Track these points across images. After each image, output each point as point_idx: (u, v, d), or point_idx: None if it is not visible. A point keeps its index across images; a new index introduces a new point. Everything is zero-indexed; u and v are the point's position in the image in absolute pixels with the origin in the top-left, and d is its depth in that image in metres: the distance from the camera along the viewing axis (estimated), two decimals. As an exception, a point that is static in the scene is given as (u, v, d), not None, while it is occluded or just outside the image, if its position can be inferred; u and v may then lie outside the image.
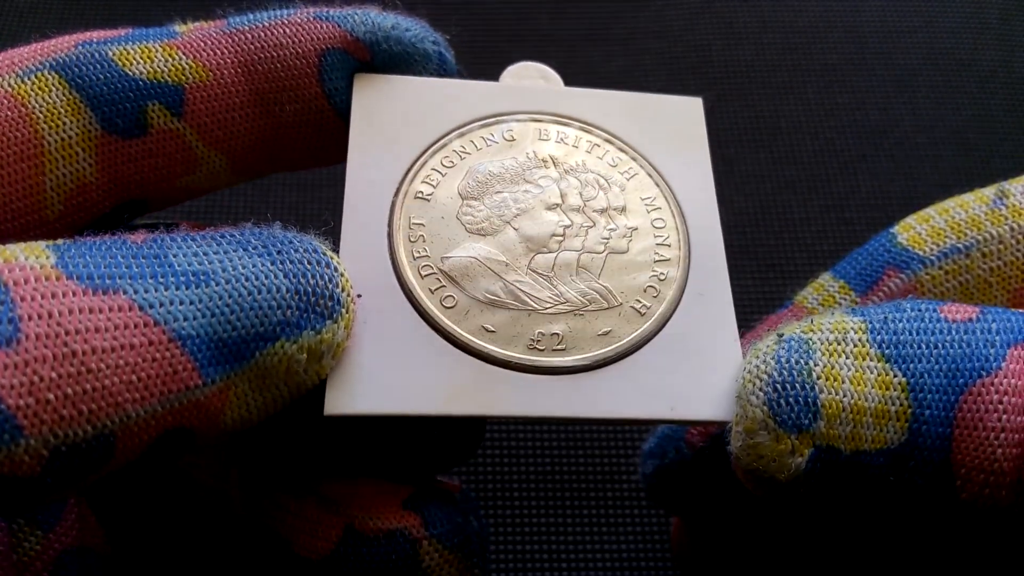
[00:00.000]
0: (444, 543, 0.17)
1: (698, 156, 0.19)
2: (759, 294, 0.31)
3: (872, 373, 0.14)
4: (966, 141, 0.35)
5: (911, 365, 0.14)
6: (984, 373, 0.14)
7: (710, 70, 0.37)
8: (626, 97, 0.19)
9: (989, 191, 0.18)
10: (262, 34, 0.17)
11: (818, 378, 0.14)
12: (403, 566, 0.17)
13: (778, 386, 0.14)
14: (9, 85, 0.16)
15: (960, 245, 0.17)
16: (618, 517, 0.27)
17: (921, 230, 0.18)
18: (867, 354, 0.14)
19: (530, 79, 0.20)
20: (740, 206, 0.33)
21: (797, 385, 0.14)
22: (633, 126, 0.19)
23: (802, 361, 0.14)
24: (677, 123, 0.19)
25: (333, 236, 0.16)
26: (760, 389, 0.14)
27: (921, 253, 0.17)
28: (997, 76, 0.36)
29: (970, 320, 0.15)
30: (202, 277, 0.13)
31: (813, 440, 0.14)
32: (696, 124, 0.19)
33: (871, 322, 0.15)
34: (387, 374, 0.15)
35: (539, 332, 0.16)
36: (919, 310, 0.15)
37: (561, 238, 0.17)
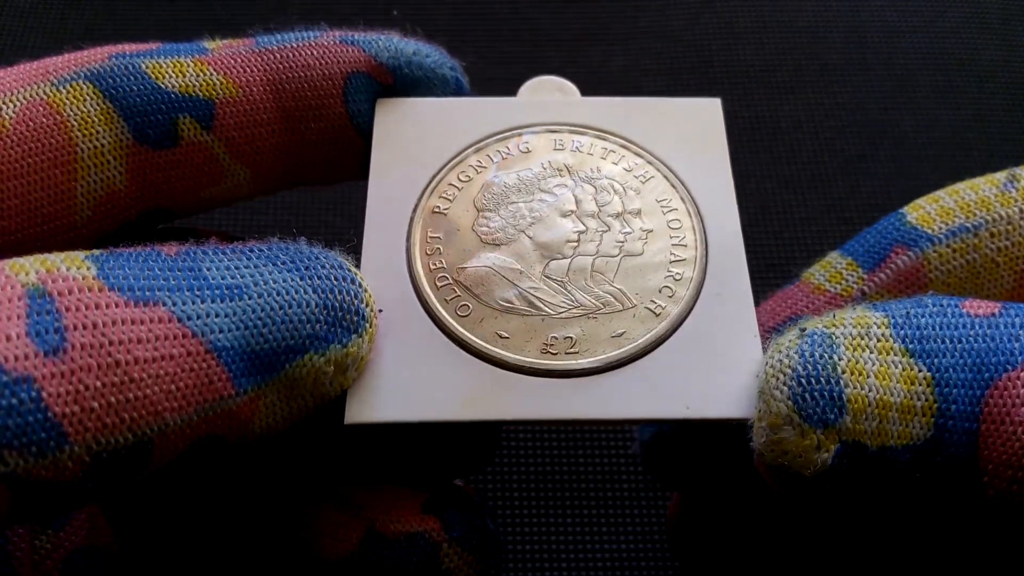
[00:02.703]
0: (463, 545, 0.17)
1: (717, 157, 0.19)
2: (759, 294, 0.31)
3: (897, 368, 0.14)
4: (966, 141, 0.35)
5: (936, 360, 0.14)
6: (1010, 367, 0.14)
7: (710, 70, 0.37)
8: (643, 103, 0.19)
9: (1000, 175, 0.18)
10: (291, 55, 0.18)
11: (843, 372, 0.14)
12: (424, 568, 0.17)
13: (803, 380, 0.14)
14: (45, 93, 0.16)
15: (969, 224, 0.17)
16: (618, 517, 0.27)
17: (930, 209, 0.18)
18: (891, 348, 0.14)
19: (547, 93, 0.20)
20: (740, 206, 0.33)
21: (822, 379, 0.14)
22: (650, 131, 0.19)
23: (826, 355, 0.14)
24: (696, 126, 0.19)
25: (335, 244, 0.16)
26: (784, 384, 0.14)
27: (929, 231, 0.17)
28: (997, 76, 0.36)
29: (993, 315, 0.15)
30: (235, 291, 0.14)
31: (839, 435, 0.14)
32: (715, 125, 0.19)
33: (893, 317, 0.15)
34: (404, 383, 0.15)
35: (552, 336, 0.16)
36: (941, 305, 0.15)
37: (576, 244, 0.17)
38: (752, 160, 0.34)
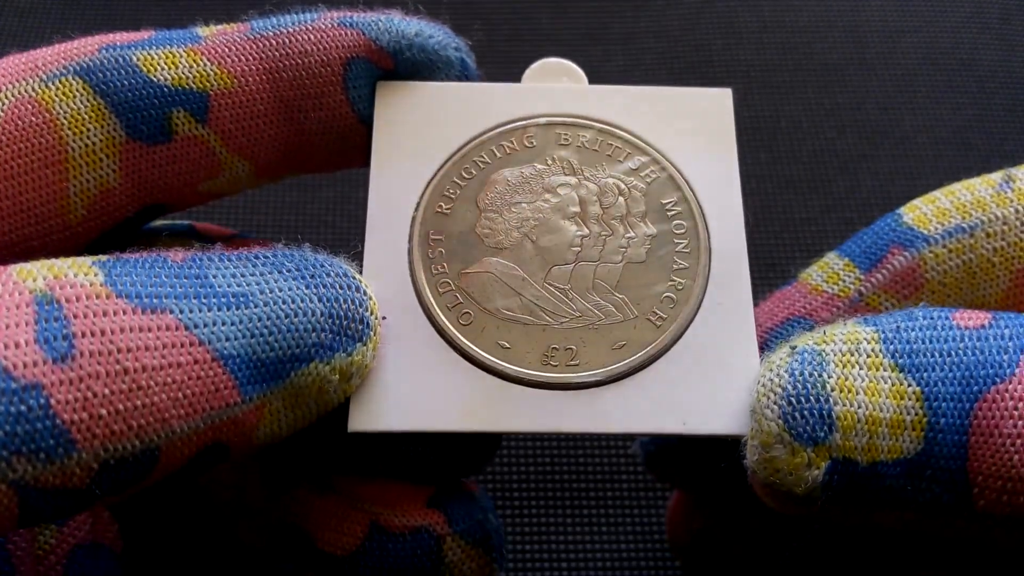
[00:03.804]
0: (466, 539, 0.17)
1: (724, 153, 0.18)
2: (759, 294, 0.31)
3: (886, 383, 0.14)
4: (966, 141, 0.35)
5: (925, 374, 0.14)
6: (998, 379, 0.14)
7: (710, 70, 0.37)
8: (651, 93, 0.19)
9: (996, 176, 0.18)
10: (287, 41, 0.17)
11: (832, 390, 0.14)
12: (427, 561, 0.17)
13: (792, 399, 0.14)
14: (33, 91, 0.16)
15: (965, 225, 0.17)
16: (618, 517, 0.27)
17: (927, 210, 0.18)
18: (880, 364, 0.14)
19: (553, 78, 0.19)
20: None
21: (812, 398, 0.14)
22: (657, 124, 0.18)
23: (816, 373, 0.14)
24: (704, 118, 0.18)
25: (336, 244, 0.16)
26: (775, 403, 0.14)
27: (926, 232, 0.17)
28: (997, 76, 0.36)
29: (982, 327, 0.15)
30: (242, 299, 0.13)
31: (829, 452, 0.14)
32: (724, 118, 0.19)
33: (883, 332, 0.15)
34: (407, 392, 0.15)
35: (552, 347, 0.16)
36: (931, 318, 0.15)
37: (579, 249, 0.17)
38: (752, 160, 0.34)
